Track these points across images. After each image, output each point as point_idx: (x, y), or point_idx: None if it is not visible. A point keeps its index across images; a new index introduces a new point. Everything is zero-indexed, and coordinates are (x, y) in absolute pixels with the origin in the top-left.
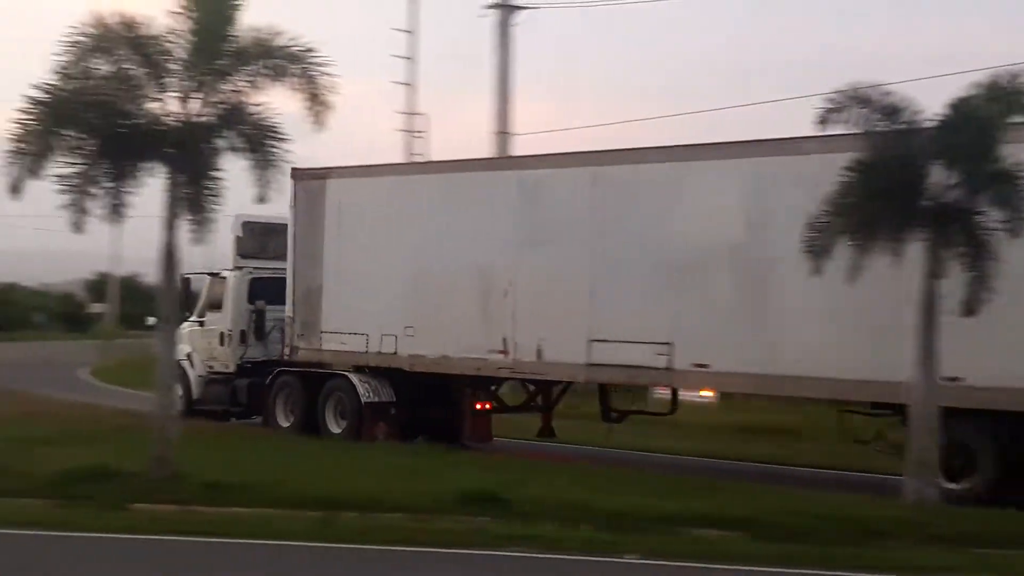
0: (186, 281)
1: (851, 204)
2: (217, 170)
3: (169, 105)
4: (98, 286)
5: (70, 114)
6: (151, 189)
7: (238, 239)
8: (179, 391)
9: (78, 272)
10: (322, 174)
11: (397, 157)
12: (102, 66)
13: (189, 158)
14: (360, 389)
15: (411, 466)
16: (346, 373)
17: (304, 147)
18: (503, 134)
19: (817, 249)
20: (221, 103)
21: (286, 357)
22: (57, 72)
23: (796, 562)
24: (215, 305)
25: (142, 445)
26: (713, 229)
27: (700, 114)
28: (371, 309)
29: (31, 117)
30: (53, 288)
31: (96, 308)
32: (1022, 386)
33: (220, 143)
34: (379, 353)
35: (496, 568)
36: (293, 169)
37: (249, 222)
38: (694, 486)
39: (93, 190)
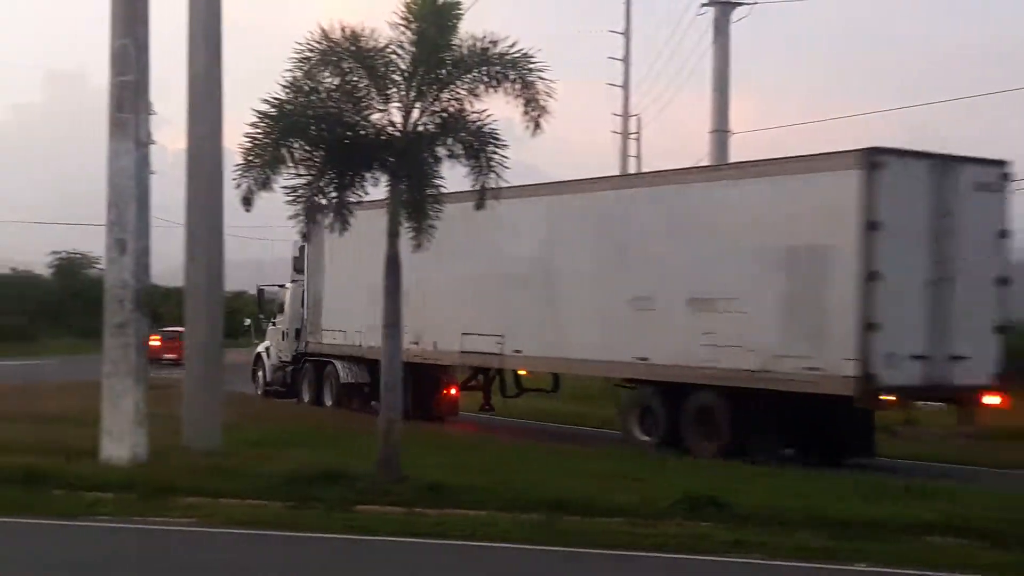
0: (260, 291)
1: None
2: (438, 178)
3: (392, 115)
4: None
5: (298, 127)
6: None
7: (295, 258)
8: (260, 376)
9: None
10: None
11: (613, 158)
12: (329, 79)
13: (411, 167)
14: (341, 373)
15: (628, 469)
16: (334, 360)
17: (521, 152)
18: (721, 132)
19: None
20: (441, 112)
21: (304, 349)
22: (286, 86)
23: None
24: (281, 309)
25: (367, 447)
26: (525, 249)
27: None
28: (348, 312)
29: (261, 131)
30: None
31: None
32: (690, 364)
33: (440, 151)
34: (351, 345)
35: (720, 574)
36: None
37: (304, 245)
38: (897, 490)
39: (320, 200)
